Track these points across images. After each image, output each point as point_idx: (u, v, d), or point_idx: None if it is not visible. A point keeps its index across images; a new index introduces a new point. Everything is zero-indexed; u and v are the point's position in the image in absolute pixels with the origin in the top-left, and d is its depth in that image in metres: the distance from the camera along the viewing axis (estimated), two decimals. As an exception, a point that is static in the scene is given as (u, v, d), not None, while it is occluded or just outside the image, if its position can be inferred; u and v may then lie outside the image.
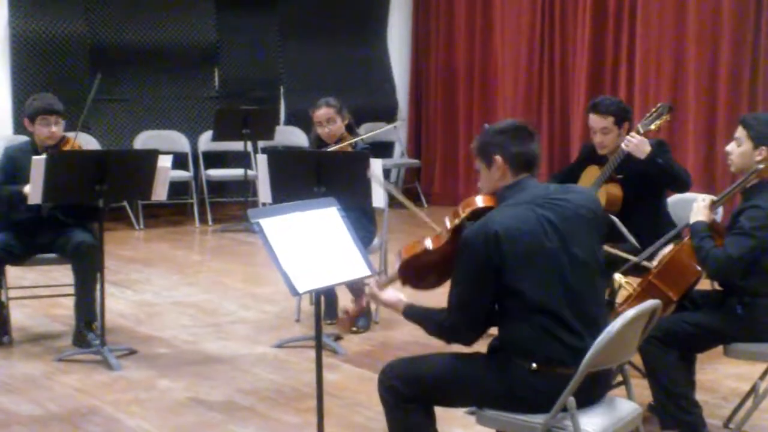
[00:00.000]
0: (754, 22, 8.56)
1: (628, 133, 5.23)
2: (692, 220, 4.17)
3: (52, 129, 5.67)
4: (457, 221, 3.42)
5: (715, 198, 4.24)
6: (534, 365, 3.25)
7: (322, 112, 6.14)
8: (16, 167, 5.67)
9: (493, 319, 3.36)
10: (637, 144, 5.07)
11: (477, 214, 3.38)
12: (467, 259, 3.27)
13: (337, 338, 5.90)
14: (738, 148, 4.20)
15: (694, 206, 4.22)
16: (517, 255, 3.20)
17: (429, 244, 3.49)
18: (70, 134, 5.85)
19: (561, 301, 3.24)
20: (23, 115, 5.81)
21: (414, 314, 3.53)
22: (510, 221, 3.23)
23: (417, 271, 3.55)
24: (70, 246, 5.64)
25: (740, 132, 4.20)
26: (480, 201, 3.43)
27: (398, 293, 3.62)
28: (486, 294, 3.27)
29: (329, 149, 6.07)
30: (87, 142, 8.71)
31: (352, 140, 6.12)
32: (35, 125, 5.69)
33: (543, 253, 3.24)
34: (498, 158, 3.36)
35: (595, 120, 5.33)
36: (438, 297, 3.54)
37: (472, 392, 3.38)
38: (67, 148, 5.73)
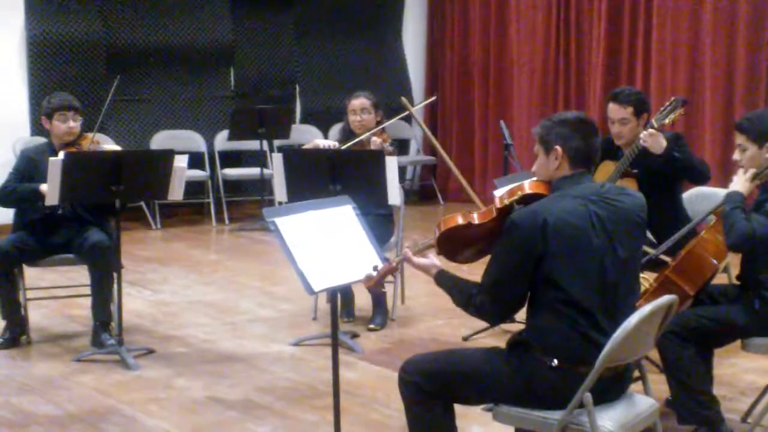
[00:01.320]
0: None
1: (646, 126, 5.21)
2: (731, 188, 4.15)
3: (70, 124, 5.70)
4: (506, 201, 3.43)
5: (757, 171, 4.19)
6: (555, 362, 3.25)
7: (358, 102, 6.22)
8: (33, 168, 5.69)
9: (521, 305, 3.35)
10: (652, 139, 5.05)
11: (527, 198, 3.39)
12: (512, 241, 3.26)
13: (354, 336, 5.90)
14: (745, 154, 4.19)
15: (734, 177, 4.19)
16: (562, 246, 3.20)
17: (476, 218, 3.48)
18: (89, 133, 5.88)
19: (596, 299, 3.24)
20: (40, 114, 5.82)
21: (446, 281, 3.50)
22: (561, 212, 3.24)
23: (456, 242, 3.54)
24: (86, 246, 5.66)
25: (740, 138, 4.20)
26: (528, 186, 3.43)
27: (433, 258, 3.60)
28: (522, 280, 3.27)
29: (362, 137, 6.10)
30: (104, 142, 8.72)
31: (382, 125, 6.17)
32: (53, 122, 5.71)
33: (588, 249, 3.24)
34: (558, 148, 3.36)
35: (615, 110, 5.30)
36: (471, 270, 3.52)
37: (491, 388, 3.37)
38: (86, 143, 5.75)
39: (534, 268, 3.23)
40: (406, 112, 5.62)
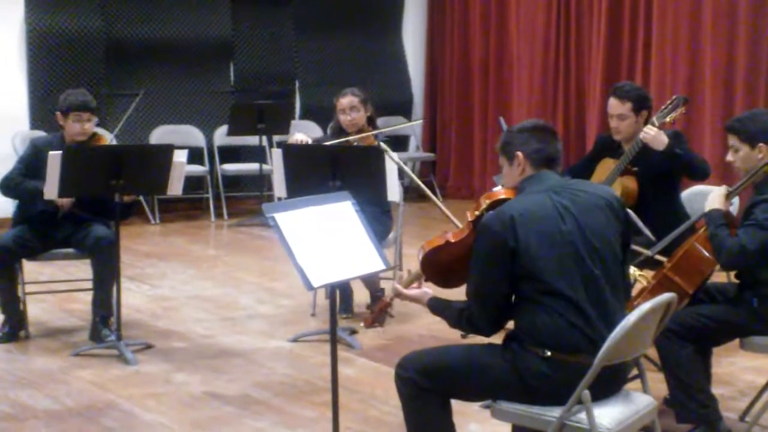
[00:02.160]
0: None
1: (646, 123, 5.20)
2: (708, 208, 4.17)
3: (85, 126, 5.69)
4: (477, 212, 3.47)
5: (730, 188, 4.22)
6: (548, 353, 3.26)
7: (346, 100, 6.17)
8: (38, 160, 5.64)
9: (511, 311, 3.39)
10: (654, 136, 5.04)
11: (497, 205, 3.42)
12: (483, 243, 3.33)
13: (353, 332, 5.90)
14: (737, 154, 4.20)
15: (709, 196, 4.21)
16: (533, 237, 3.25)
17: (450, 237, 3.52)
18: (102, 131, 5.87)
19: (577, 286, 3.27)
20: (56, 109, 5.77)
21: (437, 306, 3.59)
22: (526, 205, 3.32)
23: (439, 265, 3.58)
24: (89, 241, 5.65)
25: (732, 139, 4.21)
26: (500, 194, 3.49)
27: (424, 287, 3.67)
28: (502, 280, 3.30)
29: (350, 138, 6.07)
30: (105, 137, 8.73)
31: (373, 132, 6.13)
32: (68, 120, 5.69)
33: (559, 237, 3.29)
34: (519, 154, 3.45)
35: (614, 104, 5.30)
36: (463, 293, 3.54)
37: (487, 383, 3.39)
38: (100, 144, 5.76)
39: (511, 264, 3.27)
40: (405, 124, 5.67)
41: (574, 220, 3.32)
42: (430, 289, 3.66)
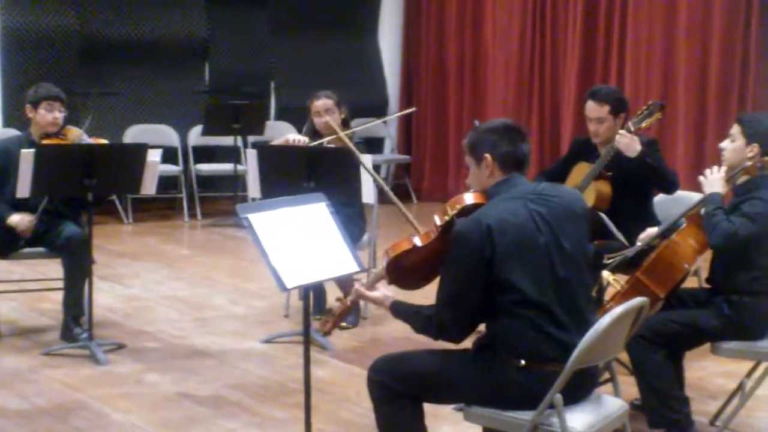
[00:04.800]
0: (745, 19, 8.58)
1: (623, 126, 5.22)
2: (708, 190, 4.19)
3: (55, 114, 5.67)
4: (446, 218, 3.42)
5: (731, 172, 4.24)
6: (522, 362, 3.26)
7: (321, 103, 6.16)
8: (8, 161, 5.63)
9: (482, 317, 3.36)
10: (628, 142, 5.06)
11: (466, 211, 3.39)
12: (460, 252, 3.27)
13: (326, 334, 5.88)
14: (732, 144, 4.26)
15: (708, 178, 4.23)
16: (509, 248, 3.22)
17: (417, 241, 3.48)
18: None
19: (550, 294, 3.26)
20: (26, 102, 5.76)
21: (401, 311, 3.52)
22: (502, 214, 3.26)
23: (404, 269, 3.54)
24: (60, 240, 5.62)
25: (735, 129, 4.27)
26: (469, 198, 3.44)
27: (386, 290, 3.61)
28: (476, 289, 3.27)
29: (324, 140, 6.06)
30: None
31: (348, 131, 6.11)
32: (38, 111, 5.67)
33: (534, 246, 3.26)
34: (488, 156, 3.38)
35: (592, 108, 5.31)
36: (425, 295, 3.54)
37: (460, 389, 3.38)
38: (71, 136, 5.73)
39: (486, 274, 3.23)
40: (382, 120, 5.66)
41: (549, 228, 3.29)
42: (391, 292, 3.59)
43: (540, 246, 3.26)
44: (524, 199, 3.32)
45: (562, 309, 3.27)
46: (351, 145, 5.41)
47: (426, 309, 3.43)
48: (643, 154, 5.06)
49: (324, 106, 6.14)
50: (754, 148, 4.18)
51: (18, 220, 5.57)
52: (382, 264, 3.59)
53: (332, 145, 5.98)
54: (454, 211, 3.42)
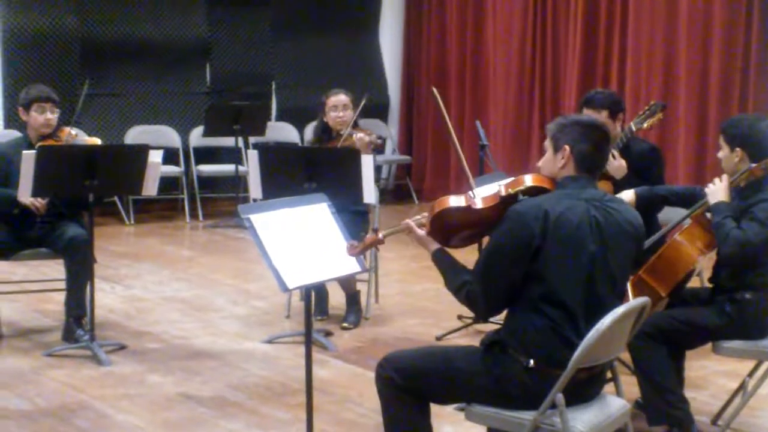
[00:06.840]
0: (745, 21, 8.57)
1: (623, 125, 5.21)
2: (713, 200, 4.19)
3: (47, 116, 5.68)
4: (511, 191, 3.40)
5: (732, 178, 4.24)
6: (531, 362, 3.25)
7: (339, 98, 6.27)
8: (6, 165, 5.64)
9: (509, 303, 3.34)
10: (617, 166, 5.01)
11: (531, 190, 3.39)
12: (510, 231, 3.26)
13: (328, 334, 5.90)
14: (721, 154, 4.29)
15: (712, 188, 4.22)
16: (558, 243, 3.21)
17: (479, 202, 3.43)
18: (76, 131, 5.86)
19: (579, 301, 3.25)
20: (18, 105, 5.78)
21: (443, 261, 3.48)
22: (564, 209, 3.25)
23: (451, 225, 3.49)
24: (63, 241, 5.62)
25: (720, 138, 4.30)
26: (535, 180, 3.41)
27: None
28: (513, 271, 3.26)
29: (343, 133, 6.12)
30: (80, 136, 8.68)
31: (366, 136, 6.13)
32: (30, 113, 5.68)
33: (581, 251, 3.25)
34: (567, 148, 3.37)
35: (590, 115, 5.30)
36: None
37: (465, 386, 3.38)
38: (64, 136, 5.72)
39: (528, 260, 3.22)
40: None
41: (602, 238, 3.27)
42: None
43: (587, 253, 3.25)
44: (589, 204, 3.31)
45: (585, 319, 3.25)
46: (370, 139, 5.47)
47: (465, 272, 3.39)
48: (628, 177, 4.95)
49: (342, 101, 6.26)
50: (738, 153, 4.18)
51: (32, 199, 5.55)
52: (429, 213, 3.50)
53: (359, 134, 6.04)
54: (522, 187, 3.40)
